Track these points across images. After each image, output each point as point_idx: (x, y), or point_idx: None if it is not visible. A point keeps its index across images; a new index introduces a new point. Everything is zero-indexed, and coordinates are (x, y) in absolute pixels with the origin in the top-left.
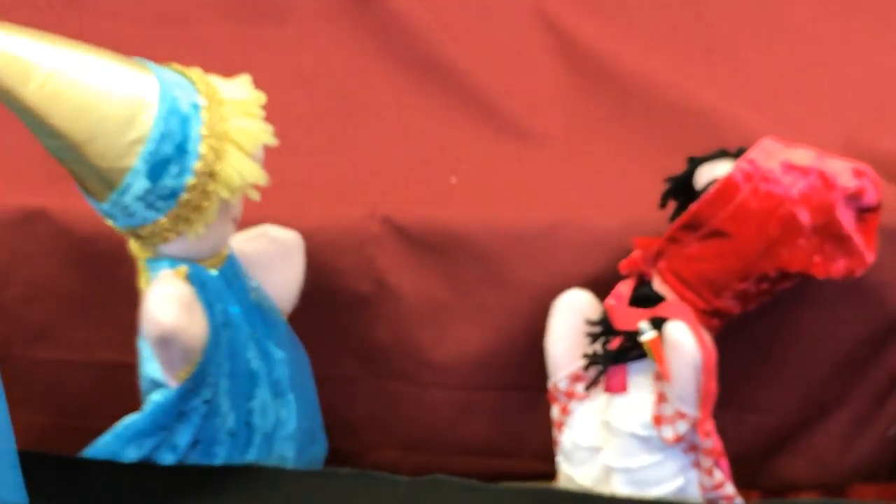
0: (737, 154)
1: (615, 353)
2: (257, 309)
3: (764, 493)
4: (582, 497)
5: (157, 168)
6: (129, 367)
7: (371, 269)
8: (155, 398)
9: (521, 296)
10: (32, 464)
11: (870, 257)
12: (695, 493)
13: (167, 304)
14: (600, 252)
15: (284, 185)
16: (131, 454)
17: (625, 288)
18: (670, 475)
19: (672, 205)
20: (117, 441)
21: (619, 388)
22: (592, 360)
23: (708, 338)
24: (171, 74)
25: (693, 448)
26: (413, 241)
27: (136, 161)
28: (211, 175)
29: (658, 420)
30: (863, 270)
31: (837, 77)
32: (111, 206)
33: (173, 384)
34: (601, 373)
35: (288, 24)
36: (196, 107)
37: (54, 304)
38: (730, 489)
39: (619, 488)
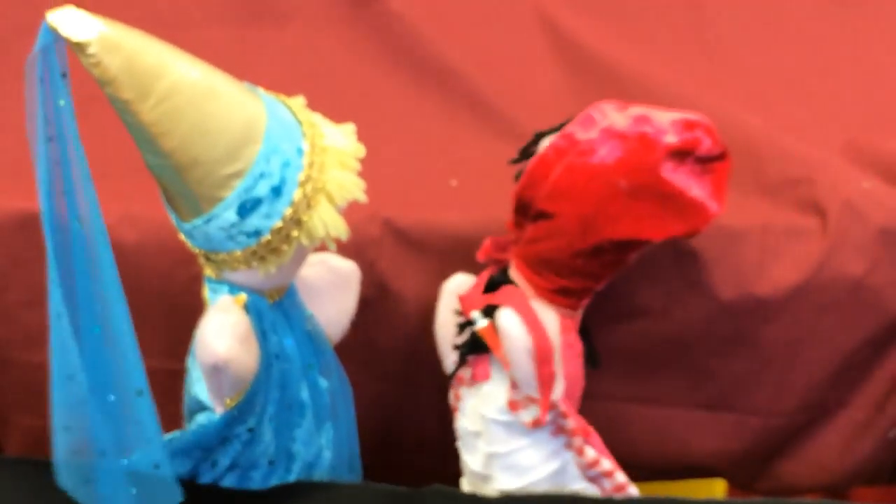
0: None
1: (469, 344)
2: (309, 339)
3: (766, 495)
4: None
5: (248, 205)
6: None
7: (371, 273)
8: (200, 420)
9: None
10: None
11: (714, 208)
12: (574, 473)
13: (223, 333)
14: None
15: None
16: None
17: (484, 277)
18: (542, 458)
19: None
20: None
21: (482, 376)
22: (457, 349)
23: (552, 320)
24: (279, 108)
25: (560, 430)
26: (413, 244)
27: (230, 194)
28: (297, 222)
29: (513, 405)
30: (706, 224)
31: (839, 78)
32: (192, 228)
33: (219, 410)
34: (461, 362)
35: (289, 27)
36: (299, 151)
37: None
38: (607, 465)
39: (498, 474)
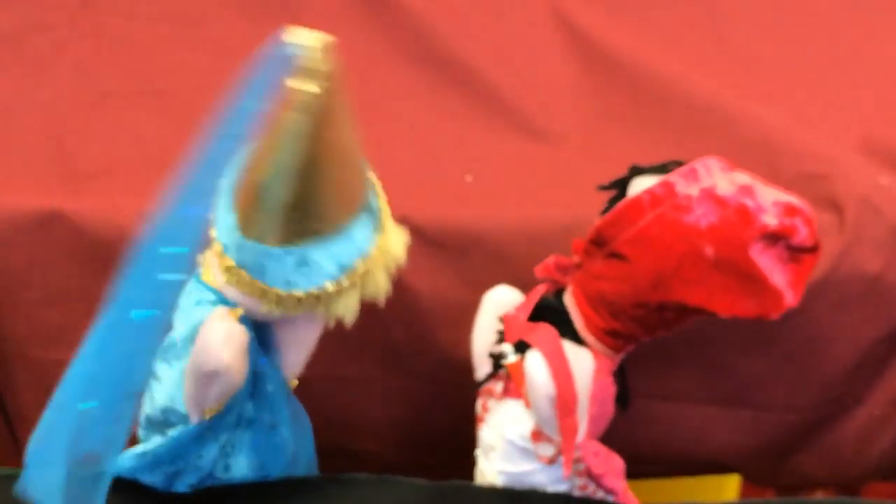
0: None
1: (497, 366)
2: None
3: (781, 491)
4: None
5: (308, 262)
6: None
7: None
8: (172, 433)
9: None
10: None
11: (790, 300)
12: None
13: (229, 342)
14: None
15: None
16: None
17: (538, 293)
18: (551, 482)
19: None
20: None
21: (515, 393)
22: (493, 358)
23: (585, 367)
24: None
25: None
26: (429, 240)
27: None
28: (327, 300)
29: (536, 436)
30: (779, 313)
31: (855, 73)
32: (253, 247)
33: (195, 419)
34: (489, 376)
35: (302, 22)
36: (369, 240)
37: (71, 307)
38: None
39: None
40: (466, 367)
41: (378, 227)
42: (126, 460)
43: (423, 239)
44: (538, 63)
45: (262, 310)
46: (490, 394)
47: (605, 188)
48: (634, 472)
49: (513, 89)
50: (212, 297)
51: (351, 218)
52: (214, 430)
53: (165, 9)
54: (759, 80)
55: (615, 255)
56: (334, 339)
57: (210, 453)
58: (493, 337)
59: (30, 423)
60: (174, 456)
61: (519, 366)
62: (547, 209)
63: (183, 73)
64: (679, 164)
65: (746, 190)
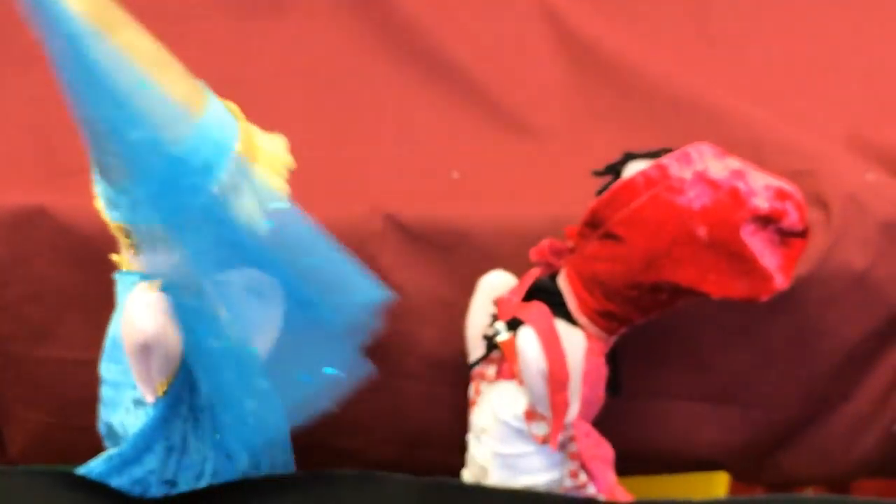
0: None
1: (490, 346)
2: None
3: (769, 488)
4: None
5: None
6: None
7: (373, 267)
8: (135, 430)
9: None
10: None
11: (780, 282)
12: (568, 485)
13: (149, 311)
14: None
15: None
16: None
17: (532, 277)
18: (543, 467)
19: None
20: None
21: (508, 374)
22: (486, 340)
23: (577, 345)
24: (218, 103)
25: (565, 447)
26: (415, 237)
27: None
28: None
29: (529, 416)
30: (769, 295)
31: (842, 70)
32: (121, 195)
33: (150, 399)
34: (481, 358)
35: (288, 19)
36: (232, 140)
37: (55, 303)
38: (591, 490)
39: (496, 470)
40: (451, 363)
41: (229, 121)
42: (96, 466)
43: (410, 235)
44: (526, 60)
45: (168, 258)
46: (482, 377)
47: (599, 173)
48: (623, 469)
49: (500, 86)
50: (134, 278)
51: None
52: (174, 404)
53: (153, 5)
54: (746, 78)
55: (609, 236)
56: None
57: (177, 429)
58: (487, 320)
59: (15, 419)
60: (143, 449)
61: (511, 343)
62: (533, 206)
63: None
64: (670, 150)
65: (738, 174)
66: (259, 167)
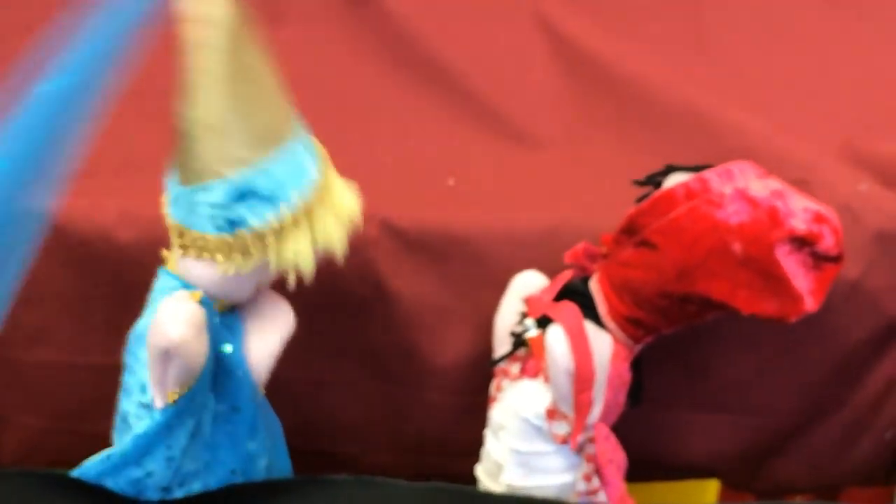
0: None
1: (518, 343)
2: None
3: (760, 496)
4: None
5: (241, 193)
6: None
7: (369, 273)
8: (137, 431)
9: None
10: None
11: (810, 305)
12: (581, 489)
13: (179, 318)
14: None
15: None
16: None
17: (564, 278)
18: (560, 468)
19: None
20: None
21: (532, 372)
22: (513, 337)
23: (604, 347)
24: (309, 141)
25: (583, 449)
26: (411, 244)
27: (231, 174)
28: (277, 235)
29: (551, 414)
30: (798, 317)
31: (836, 80)
32: (181, 193)
33: (159, 404)
34: (506, 355)
35: (284, 25)
36: (310, 180)
37: (50, 306)
38: (601, 497)
39: (511, 467)
40: (446, 370)
41: (316, 160)
42: (92, 466)
43: (405, 242)
44: (521, 68)
45: (217, 279)
46: (505, 374)
47: (640, 183)
48: None
49: (496, 94)
50: (174, 283)
51: (279, 142)
52: (181, 415)
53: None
54: (740, 87)
55: (645, 244)
56: (314, 341)
57: (179, 442)
58: (516, 318)
59: (8, 423)
60: (143, 453)
61: (540, 340)
62: (529, 213)
63: (164, 74)
64: (711, 167)
65: (778, 194)
66: (324, 212)
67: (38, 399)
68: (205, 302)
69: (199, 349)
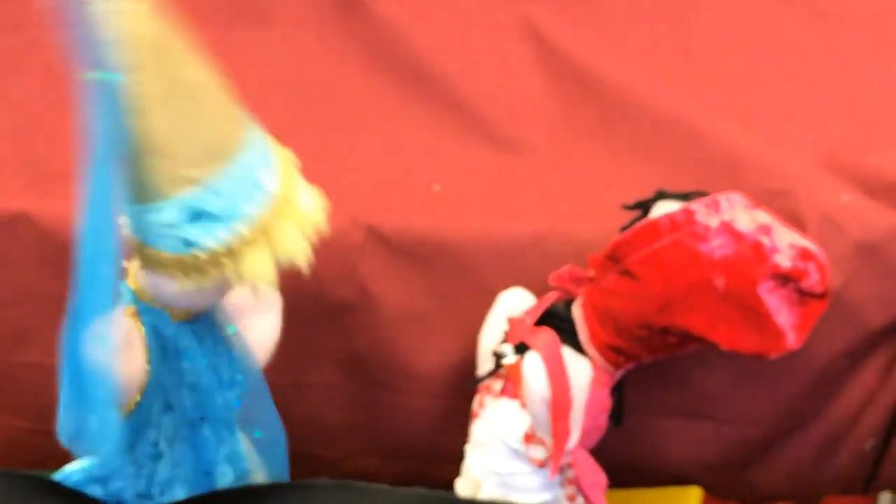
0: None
1: (499, 360)
2: (228, 358)
3: (741, 503)
4: None
5: (192, 213)
6: None
7: (353, 278)
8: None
9: None
10: None
11: (792, 341)
12: None
13: (101, 338)
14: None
15: None
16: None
17: (548, 300)
18: (537, 487)
19: None
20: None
21: (511, 393)
22: (495, 357)
23: (582, 375)
24: (264, 148)
25: (561, 471)
26: (395, 250)
27: (181, 195)
28: (232, 254)
29: (528, 438)
30: (779, 353)
31: (820, 91)
32: (135, 211)
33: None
34: (490, 373)
35: (272, 30)
36: (265, 193)
37: (35, 308)
38: None
39: (489, 486)
40: (429, 375)
41: (273, 170)
42: (72, 475)
43: (389, 248)
44: (508, 75)
45: (174, 293)
46: (488, 390)
47: (629, 208)
48: None
49: (482, 101)
50: (127, 297)
51: (230, 156)
52: (139, 428)
53: None
54: (726, 97)
55: (627, 273)
56: (296, 345)
57: (145, 454)
58: (500, 337)
59: None
60: (110, 467)
61: (517, 367)
62: (514, 220)
63: None
64: (704, 194)
65: (764, 228)
66: (284, 224)
67: (21, 400)
68: (151, 318)
69: (129, 363)
